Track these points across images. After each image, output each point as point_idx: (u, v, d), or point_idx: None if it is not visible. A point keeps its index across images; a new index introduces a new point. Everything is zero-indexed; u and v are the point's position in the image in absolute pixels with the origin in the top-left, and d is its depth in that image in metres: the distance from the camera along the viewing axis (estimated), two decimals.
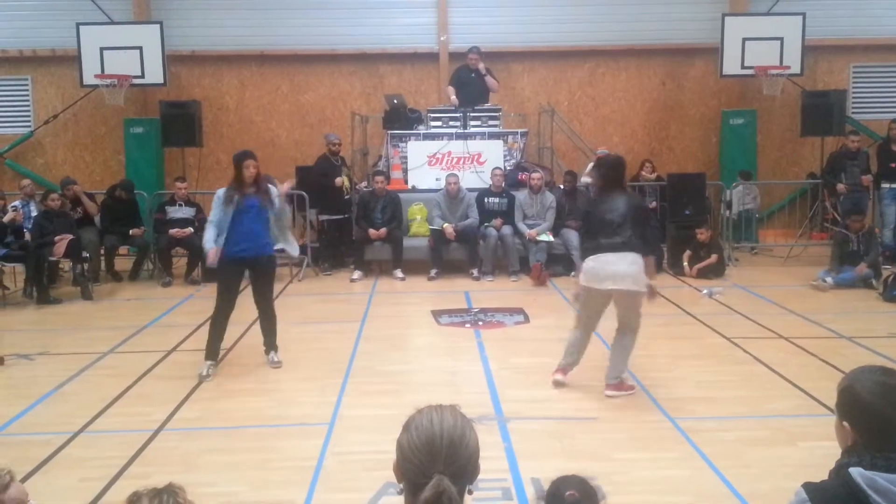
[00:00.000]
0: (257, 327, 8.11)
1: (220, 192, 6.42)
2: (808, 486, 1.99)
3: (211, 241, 6.31)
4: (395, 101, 11.86)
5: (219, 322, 6.50)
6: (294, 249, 6.86)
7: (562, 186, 11.30)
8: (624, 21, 13.35)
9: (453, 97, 11.88)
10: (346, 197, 11.12)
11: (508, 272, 10.55)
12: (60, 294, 9.69)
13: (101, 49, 12.32)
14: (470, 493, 1.89)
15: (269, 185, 6.48)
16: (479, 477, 1.93)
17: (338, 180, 10.89)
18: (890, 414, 1.95)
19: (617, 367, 5.86)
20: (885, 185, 11.35)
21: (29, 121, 13.50)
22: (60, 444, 5.00)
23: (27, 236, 9.72)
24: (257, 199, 6.34)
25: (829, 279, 9.52)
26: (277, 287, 10.05)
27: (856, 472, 1.89)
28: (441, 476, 1.78)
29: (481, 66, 11.87)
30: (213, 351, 6.50)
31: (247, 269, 6.54)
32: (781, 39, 12.56)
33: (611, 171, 5.96)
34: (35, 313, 9.05)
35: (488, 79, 11.87)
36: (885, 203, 11.38)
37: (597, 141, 12.98)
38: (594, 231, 5.77)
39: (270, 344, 6.77)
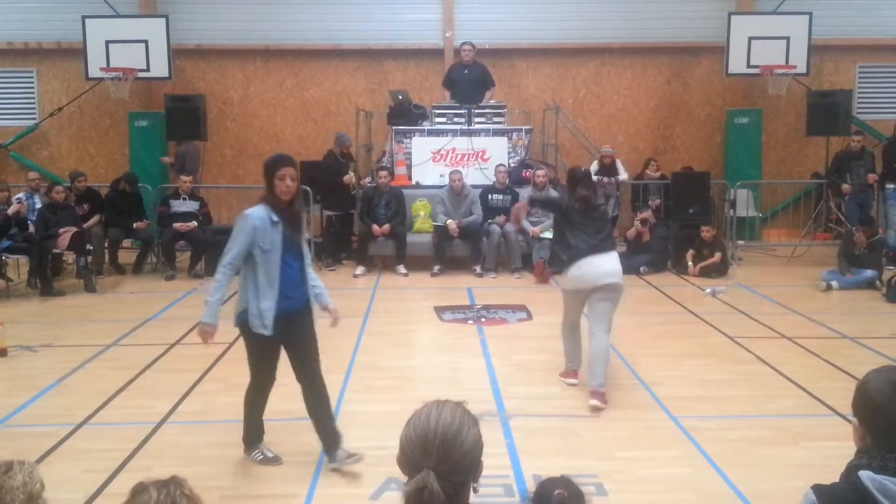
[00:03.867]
0: None
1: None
2: (817, 489, 1.97)
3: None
4: (400, 97, 11.85)
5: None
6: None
7: (565, 184, 11.27)
8: (630, 19, 13.31)
9: (448, 99, 11.97)
10: (353, 192, 11.17)
11: (511, 269, 10.55)
12: (64, 286, 9.69)
13: (107, 42, 12.32)
14: (475, 490, 1.89)
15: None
16: (482, 473, 1.93)
17: (346, 178, 10.95)
18: None
19: (604, 373, 5.66)
20: (890, 186, 11.31)
21: (34, 113, 13.50)
22: (63, 436, 5.01)
23: (31, 228, 9.74)
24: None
25: (834, 283, 9.49)
26: None
27: (865, 476, 1.87)
28: (429, 471, 1.78)
29: None
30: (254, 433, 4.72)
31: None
32: (787, 39, 12.52)
33: (588, 182, 6.21)
34: (38, 305, 9.06)
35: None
36: (889, 204, 11.35)
37: (601, 139, 12.96)
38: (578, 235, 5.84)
39: (330, 434, 4.57)
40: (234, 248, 4.27)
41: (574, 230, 5.81)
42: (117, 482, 4.35)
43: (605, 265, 5.71)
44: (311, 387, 4.52)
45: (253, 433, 4.68)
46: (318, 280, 4.59)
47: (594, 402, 5.49)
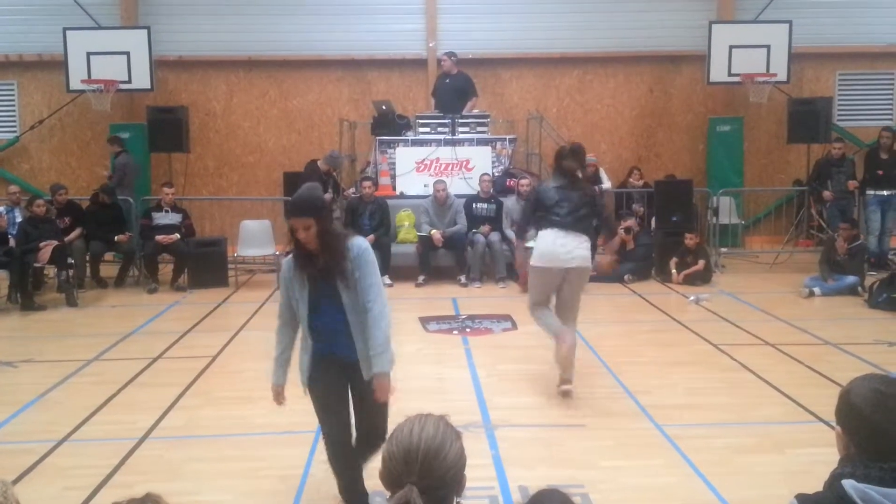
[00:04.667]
0: (245, 333, 8.10)
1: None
2: (801, 498, 1.98)
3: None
4: (384, 108, 11.85)
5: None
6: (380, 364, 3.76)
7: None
8: (612, 28, 13.40)
9: (433, 109, 12.02)
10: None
11: (496, 279, 10.55)
12: (45, 301, 9.60)
13: (88, 54, 12.26)
14: None
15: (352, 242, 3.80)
16: (467, 485, 1.92)
17: (326, 196, 10.87)
18: (879, 421, 1.94)
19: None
20: (870, 192, 11.41)
21: (15, 126, 13.41)
22: (44, 453, 4.95)
23: (12, 242, 9.65)
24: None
25: (816, 290, 9.54)
26: (264, 294, 10.05)
27: (849, 485, 1.87)
28: (411, 487, 1.77)
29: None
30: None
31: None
32: (768, 47, 12.65)
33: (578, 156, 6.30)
34: (19, 320, 8.97)
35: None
36: (870, 210, 11.44)
37: (585, 148, 12.97)
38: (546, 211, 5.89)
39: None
40: (280, 300, 4.06)
41: (549, 211, 5.85)
42: (99, 499, 4.30)
43: (571, 247, 5.72)
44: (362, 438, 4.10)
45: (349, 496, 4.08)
46: (382, 339, 3.73)
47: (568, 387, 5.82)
